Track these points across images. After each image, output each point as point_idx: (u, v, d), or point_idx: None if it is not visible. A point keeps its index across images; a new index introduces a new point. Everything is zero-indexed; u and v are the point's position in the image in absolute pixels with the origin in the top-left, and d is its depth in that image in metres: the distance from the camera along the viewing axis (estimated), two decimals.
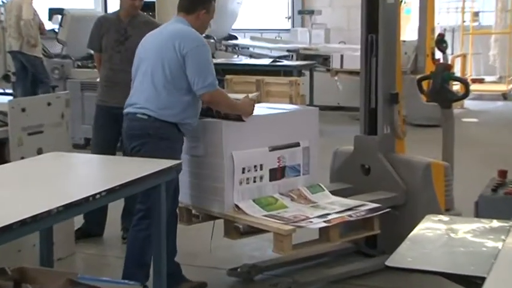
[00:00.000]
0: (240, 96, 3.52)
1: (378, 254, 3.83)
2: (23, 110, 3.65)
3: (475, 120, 8.94)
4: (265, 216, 3.24)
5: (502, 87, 11.02)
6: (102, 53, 4.35)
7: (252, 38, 11.74)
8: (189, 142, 3.44)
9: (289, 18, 13.11)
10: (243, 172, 3.32)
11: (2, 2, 9.47)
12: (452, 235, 2.52)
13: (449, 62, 8.91)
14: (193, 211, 3.55)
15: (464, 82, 5.02)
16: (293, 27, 12.78)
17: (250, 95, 3.51)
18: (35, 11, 8.42)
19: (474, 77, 11.34)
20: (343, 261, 3.86)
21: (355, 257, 3.94)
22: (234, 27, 11.58)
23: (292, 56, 10.19)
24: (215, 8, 3.42)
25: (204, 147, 3.39)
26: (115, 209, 4.21)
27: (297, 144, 3.53)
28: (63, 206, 2.27)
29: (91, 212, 3.27)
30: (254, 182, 3.37)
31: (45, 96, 4.28)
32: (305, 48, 10.34)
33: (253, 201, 3.34)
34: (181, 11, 3.38)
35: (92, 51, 4.65)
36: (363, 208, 3.39)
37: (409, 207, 3.75)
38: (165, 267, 2.93)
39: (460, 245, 2.36)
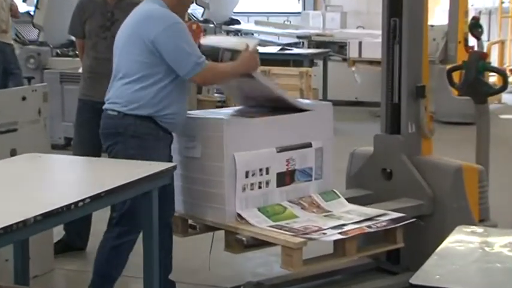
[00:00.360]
0: (235, 43, 3.58)
1: (401, 270, 3.84)
2: None
3: None
4: (272, 227, 3.26)
5: None
6: (86, 39, 4.37)
7: (257, 23, 11.77)
8: (183, 142, 3.46)
9: None
10: (247, 176, 3.34)
11: None
12: (487, 249, 2.53)
13: (485, 50, 8.91)
14: (190, 221, 3.57)
15: (501, 73, 5.02)
16: (304, 10, 12.81)
17: (250, 45, 3.51)
18: None
19: None
20: (361, 279, 3.87)
21: (374, 274, 3.95)
22: (236, 10, 11.61)
23: (303, 43, 10.21)
24: None
25: (201, 148, 3.41)
26: (100, 219, 4.23)
27: (309, 145, 3.54)
28: (40, 215, 2.29)
29: (72, 222, 3.29)
30: (259, 188, 3.39)
31: (19, 90, 4.30)
32: (318, 35, 10.36)
33: (258, 209, 3.36)
34: None
35: (74, 38, 4.68)
36: (384, 218, 3.41)
37: (437, 217, 3.76)
38: (158, 286, 2.94)
39: (496, 260, 2.37)
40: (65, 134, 6.80)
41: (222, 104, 7.82)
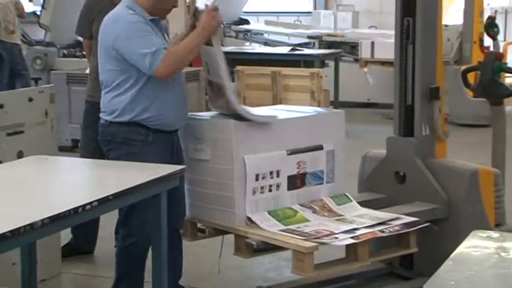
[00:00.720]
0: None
1: (414, 276, 3.83)
2: (1, 106, 3.70)
3: None
4: (283, 231, 3.26)
5: None
6: (93, 40, 4.39)
7: (267, 23, 11.78)
8: (192, 144, 3.47)
9: None
10: (257, 179, 3.34)
11: None
12: (503, 254, 2.52)
13: (501, 50, 8.88)
14: (199, 224, 3.57)
15: None
16: (315, 9, 12.81)
17: (208, 4, 3.41)
18: None
19: None
20: (374, 284, 3.87)
21: (388, 279, 3.94)
22: (245, 9, 11.62)
23: (313, 43, 10.21)
24: None
25: (209, 151, 3.41)
26: (107, 222, 4.24)
27: (320, 148, 3.54)
28: (48, 218, 2.30)
29: (80, 225, 3.33)
30: (270, 191, 3.39)
31: (26, 91, 4.33)
32: (329, 35, 10.36)
33: (269, 213, 3.36)
34: None
35: (81, 38, 4.70)
36: (397, 222, 3.40)
37: (451, 221, 3.75)
38: None
39: None
40: (72, 136, 6.83)
41: None
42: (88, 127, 4.41)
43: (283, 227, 3.29)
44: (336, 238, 3.20)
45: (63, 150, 6.12)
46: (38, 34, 9.44)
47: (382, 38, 9.40)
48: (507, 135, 4.50)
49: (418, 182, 3.85)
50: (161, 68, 3.21)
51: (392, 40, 4.05)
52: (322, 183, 3.55)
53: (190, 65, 6.06)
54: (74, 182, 3.03)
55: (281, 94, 7.58)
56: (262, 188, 3.36)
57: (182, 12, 7.35)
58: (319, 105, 7.02)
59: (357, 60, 9.53)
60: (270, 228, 3.28)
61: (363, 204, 3.64)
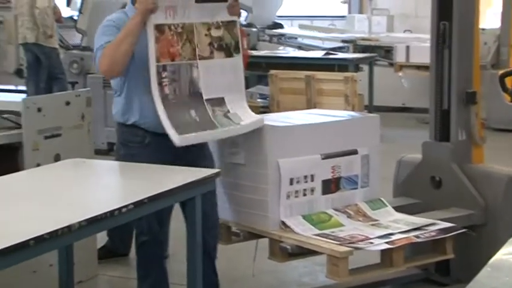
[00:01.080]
0: None
1: (451, 282, 3.80)
2: (39, 109, 3.74)
3: None
4: (317, 235, 3.25)
5: None
6: None
7: (301, 27, 11.77)
8: (227, 147, 3.48)
9: (344, 2, 13.09)
10: (291, 184, 3.34)
11: None
12: None
13: None
14: (233, 228, 3.58)
15: None
16: (349, 13, 12.76)
17: None
18: None
19: None
20: None
21: (423, 285, 3.92)
22: (279, 13, 11.63)
23: (348, 47, 10.18)
24: None
25: (245, 155, 3.42)
26: None
27: (355, 152, 3.53)
28: (85, 220, 2.32)
29: (116, 228, 3.35)
30: (304, 195, 3.38)
31: (63, 94, 4.37)
32: (363, 39, 10.32)
33: (303, 217, 3.36)
34: None
35: None
36: (432, 228, 3.37)
37: (489, 227, 3.71)
38: None
39: None
40: (108, 139, 6.89)
41: (265, 110, 7.84)
42: None
43: (318, 232, 3.28)
44: (371, 243, 3.19)
45: (99, 153, 6.18)
46: (75, 38, 9.56)
47: (417, 42, 9.34)
48: None
49: (455, 187, 3.82)
50: (100, 62, 3.12)
51: (428, 44, 4.03)
52: (357, 188, 3.54)
53: None
54: (110, 185, 3.06)
55: (315, 98, 7.57)
56: (296, 192, 3.36)
57: None
58: (353, 110, 6.99)
59: (391, 65, 9.48)
60: (305, 232, 3.28)
61: (398, 209, 3.62)
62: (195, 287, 2.96)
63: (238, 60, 3.36)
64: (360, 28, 11.32)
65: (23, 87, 9.62)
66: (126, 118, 3.31)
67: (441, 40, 3.88)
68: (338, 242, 3.17)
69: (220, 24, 3.31)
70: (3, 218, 2.36)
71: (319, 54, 9.03)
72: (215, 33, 3.30)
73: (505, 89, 4.75)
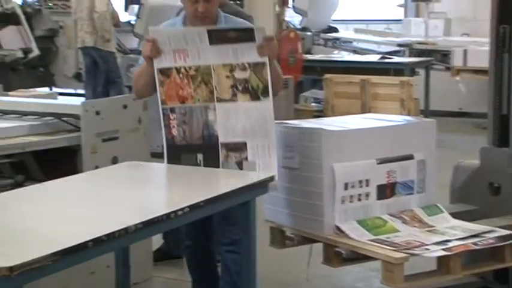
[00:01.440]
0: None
1: None
2: (97, 113, 3.81)
3: None
4: (372, 240, 3.22)
5: None
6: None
7: (356, 31, 11.71)
8: (281, 151, 3.47)
9: (401, 6, 12.96)
10: (346, 188, 3.32)
11: None
12: None
13: None
14: (287, 232, 3.58)
15: None
16: (406, 17, 12.62)
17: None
18: (109, 0, 8.78)
19: None
20: None
21: None
22: (334, 17, 11.59)
23: (404, 51, 10.08)
24: None
25: (299, 159, 3.41)
26: None
27: (411, 157, 3.48)
28: (142, 222, 2.35)
29: (171, 231, 3.39)
30: (359, 200, 3.35)
31: (120, 98, 4.45)
32: (420, 42, 10.20)
33: (358, 222, 3.33)
34: None
35: None
36: (491, 235, 3.30)
37: None
38: None
39: None
40: None
41: (320, 114, 7.82)
42: None
43: (373, 237, 3.25)
44: (427, 249, 3.14)
45: (155, 156, 6.23)
46: (132, 43, 9.72)
47: (475, 46, 9.19)
48: None
49: None
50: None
51: (486, 48, 3.96)
52: (413, 193, 3.49)
53: None
54: (166, 188, 3.09)
55: (370, 102, 7.52)
56: (351, 197, 3.33)
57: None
58: (409, 114, 6.92)
59: (448, 69, 9.34)
60: (359, 237, 3.25)
61: (454, 215, 3.56)
62: None
63: (267, 104, 3.16)
64: (416, 32, 11.20)
65: (82, 91, 9.83)
66: None
67: (501, 44, 3.81)
68: (393, 248, 3.13)
69: (247, 66, 3.13)
70: (62, 219, 2.41)
71: (374, 58, 8.97)
72: (240, 75, 3.15)
73: None
